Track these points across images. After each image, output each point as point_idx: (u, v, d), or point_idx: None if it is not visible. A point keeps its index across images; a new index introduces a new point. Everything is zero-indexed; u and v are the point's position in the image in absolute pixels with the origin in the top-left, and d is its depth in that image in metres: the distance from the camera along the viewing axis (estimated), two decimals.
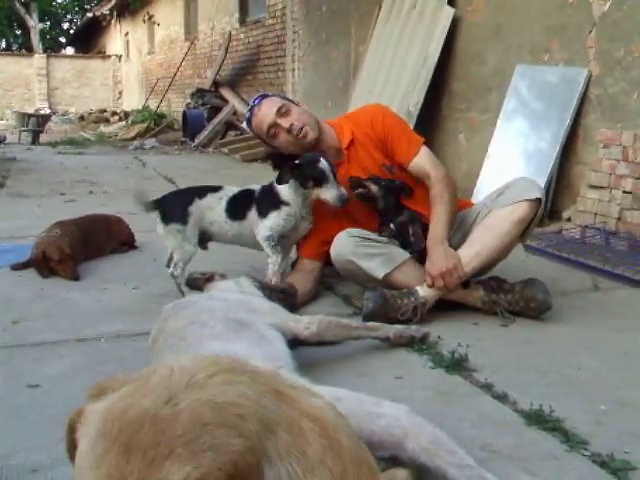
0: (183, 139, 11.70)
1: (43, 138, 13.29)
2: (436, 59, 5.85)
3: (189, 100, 12.38)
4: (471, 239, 2.66)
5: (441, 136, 6.09)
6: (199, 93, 11.90)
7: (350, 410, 1.24)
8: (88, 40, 29.26)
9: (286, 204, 2.82)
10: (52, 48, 31.77)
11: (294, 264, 3.07)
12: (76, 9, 34.74)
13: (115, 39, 24.43)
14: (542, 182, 4.36)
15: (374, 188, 2.78)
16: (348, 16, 7.87)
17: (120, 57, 24.04)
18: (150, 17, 18.15)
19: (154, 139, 12.40)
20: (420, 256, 2.68)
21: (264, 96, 3.00)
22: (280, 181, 2.77)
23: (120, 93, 24.10)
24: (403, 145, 2.87)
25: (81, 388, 1.98)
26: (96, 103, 23.11)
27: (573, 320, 2.66)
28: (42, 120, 14.30)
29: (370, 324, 2.33)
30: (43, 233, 3.46)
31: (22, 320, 2.64)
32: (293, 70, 9.58)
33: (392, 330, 2.31)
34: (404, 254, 2.71)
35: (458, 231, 2.82)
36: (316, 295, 2.93)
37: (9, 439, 1.71)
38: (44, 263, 3.23)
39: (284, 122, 2.85)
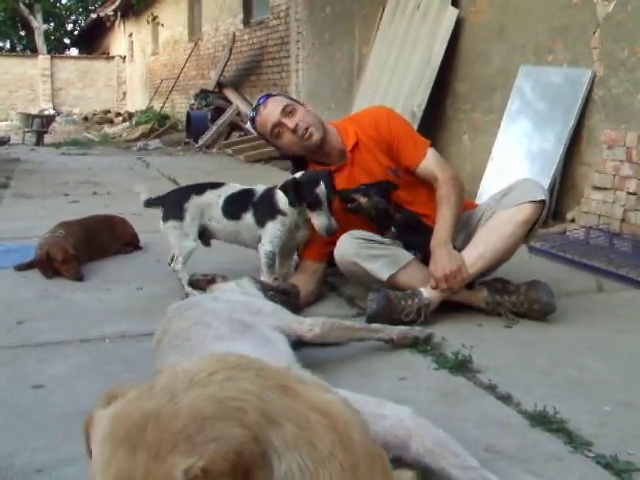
0: (187, 140, 11.71)
1: (47, 139, 13.32)
2: (440, 60, 5.84)
3: (193, 101, 12.40)
4: (475, 241, 2.66)
5: (445, 137, 6.08)
6: (203, 94, 11.91)
7: None
8: (92, 41, 29.33)
9: (282, 214, 2.81)
10: (56, 49, 31.84)
11: (297, 266, 3.07)
12: (80, 10, 34.81)
13: (119, 40, 24.47)
14: (546, 183, 4.36)
15: (363, 201, 2.76)
16: (352, 17, 7.88)
17: (124, 58, 24.08)
18: (154, 18, 18.17)
19: (158, 140, 12.42)
20: (424, 257, 2.68)
21: (269, 95, 2.99)
22: (286, 195, 2.75)
23: (124, 94, 24.14)
24: (409, 148, 2.85)
25: (85, 388, 2.00)
26: (100, 104, 23.16)
27: (577, 321, 2.65)
28: (46, 121, 14.31)
29: (373, 325, 2.33)
30: (47, 234, 3.47)
31: (26, 321, 2.65)
32: (297, 71, 9.59)
33: (395, 331, 2.31)
34: (408, 255, 2.71)
35: (462, 232, 2.81)
36: (319, 296, 2.93)
37: (14, 439, 1.71)
38: (48, 264, 3.24)
39: (289, 122, 2.84)
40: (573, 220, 4.43)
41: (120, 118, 18.45)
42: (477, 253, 2.60)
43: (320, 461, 0.90)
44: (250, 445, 0.86)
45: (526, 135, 4.88)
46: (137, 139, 13.05)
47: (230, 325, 1.89)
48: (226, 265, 3.16)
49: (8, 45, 34.43)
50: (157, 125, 13.95)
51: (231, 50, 11.87)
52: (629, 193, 3.93)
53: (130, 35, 22.64)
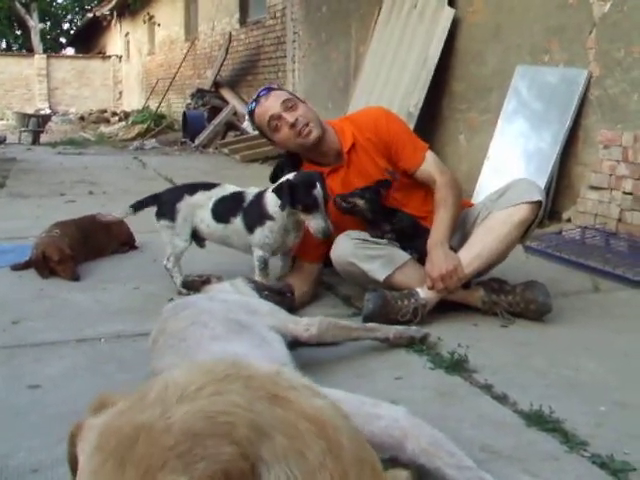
0: (183, 139, 11.70)
1: (43, 138, 13.30)
2: (436, 60, 5.84)
3: (189, 100, 12.39)
4: (471, 241, 2.66)
5: (441, 136, 6.09)
6: (199, 94, 11.91)
7: (349, 412, 1.24)
8: (88, 40, 29.24)
9: (270, 218, 2.74)
10: (52, 48, 31.72)
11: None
12: (76, 9, 34.70)
13: (115, 39, 24.42)
14: (542, 183, 4.36)
15: (360, 203, 2.75)
16: (348, 17, 7.88)
17: (120, 57, 24.03)
18: (150, 18, 18.15)
19: (154, 139, 12.41)
20: (420, 257, 2.69)
21: (271, 88, 2.94)
22: (280, 197, 2.68)
23: (120, 93, 24.10)
24: (409, 151, 2.83)
25: (81, 388, 1.99)
26: (96, 103, 23.11)
27: (573, 321, 2.66)
28: (42, 120, 14.30)
29: (370, 325, 2.33)
30: (43, 233, 3.46)
31: (22, 320, 2.64)
32: (293, 71, 9.58)
33: (392, 331, 2.31)
34: (404, 255, 2.70)
35: (458, 231, 2.81)
36: (315, 296, 2.92)
37: (9, 439, 1.71)
38: (44, 263, 3.23)
39: (289, 116, 2.80)
40: (569, 220, 4.44)
41: (116, 118, 18.41)
42: (473, 253, 2.60)
43: (310, 472, 0.91)
44: (238, 463, 0.86)
45: (522, 135, 4.89)
46: (133, 139, 13.04)
47: (226, 325, 1.89)
48: (223, 266, 3.15)
49: (4, 44, 34.35)
50: (153, 125, 13.94)
51: (227, 50, 11.87)
52: (625, 193, 3.94)
53: (126, 35, 22.59)
